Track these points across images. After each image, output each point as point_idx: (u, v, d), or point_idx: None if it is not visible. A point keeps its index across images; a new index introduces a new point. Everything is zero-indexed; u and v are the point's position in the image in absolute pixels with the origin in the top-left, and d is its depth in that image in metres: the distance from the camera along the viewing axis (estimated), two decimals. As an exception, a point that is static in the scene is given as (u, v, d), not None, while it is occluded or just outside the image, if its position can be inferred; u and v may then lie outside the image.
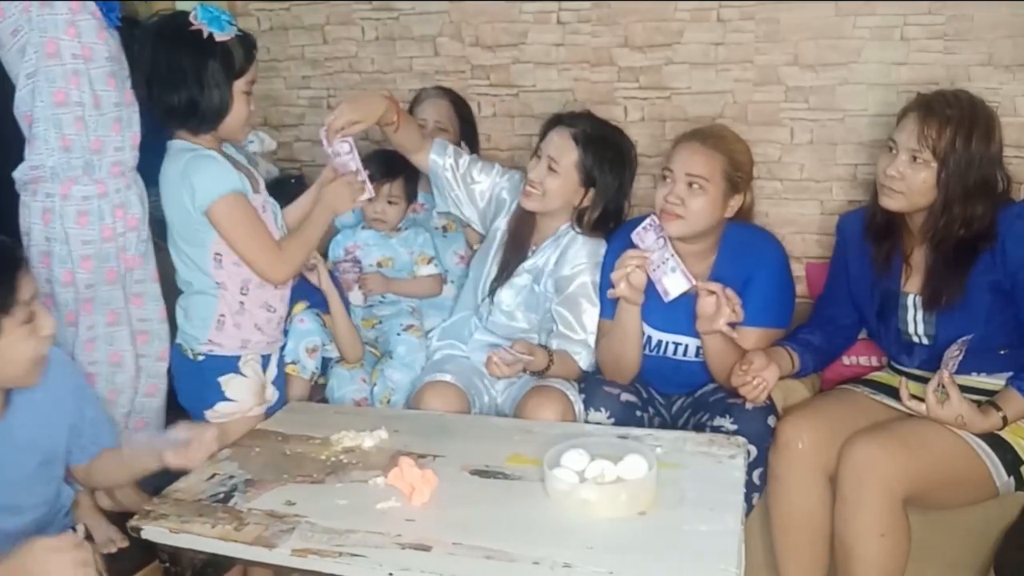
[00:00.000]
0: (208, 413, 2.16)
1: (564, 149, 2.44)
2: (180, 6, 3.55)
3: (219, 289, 2.14)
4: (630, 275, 2.18)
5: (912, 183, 2.09)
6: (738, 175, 2.29)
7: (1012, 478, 2.06)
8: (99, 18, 2.33)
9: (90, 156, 2.26)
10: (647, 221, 2.21)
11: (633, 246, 2.22)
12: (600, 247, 2.48)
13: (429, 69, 3.14)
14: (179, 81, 2.02)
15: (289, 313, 2.46)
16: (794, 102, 2.73)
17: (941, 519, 2.16)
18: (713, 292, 2.13)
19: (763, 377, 2.14)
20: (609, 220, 2.52)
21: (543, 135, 2.52)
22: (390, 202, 2.71)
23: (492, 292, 2.55)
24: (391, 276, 2.76)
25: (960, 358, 1.99)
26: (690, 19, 2.78)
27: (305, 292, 2.56)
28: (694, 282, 2.15)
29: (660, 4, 2.80)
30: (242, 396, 2.19)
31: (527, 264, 2.53)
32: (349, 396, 2.53)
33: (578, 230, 2.50)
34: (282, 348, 2.39)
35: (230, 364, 2.18)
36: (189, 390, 2.21)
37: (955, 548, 2.19)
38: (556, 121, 2.51)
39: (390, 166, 2.71)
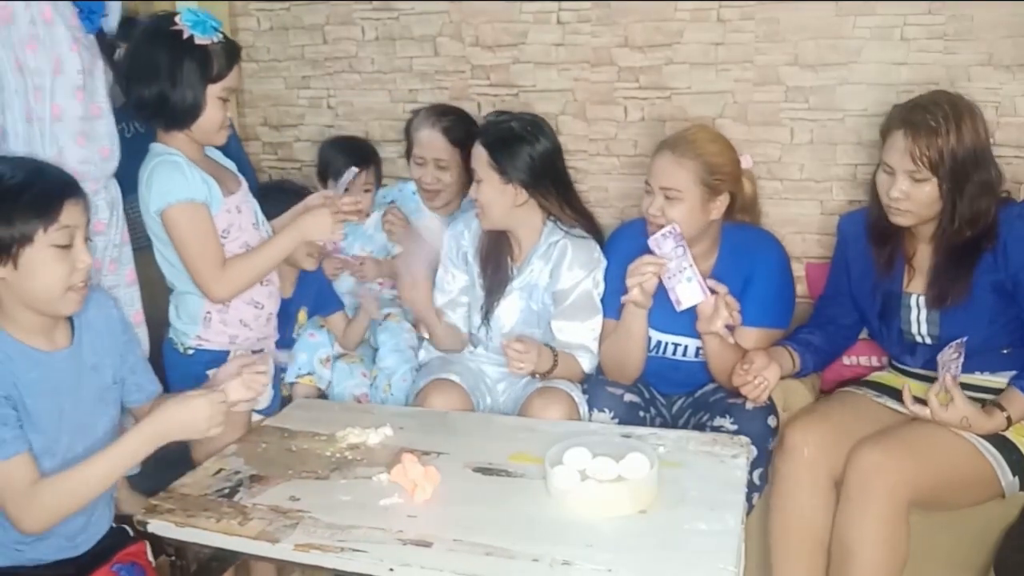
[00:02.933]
0: None
1: (478, 159, 2.42)
2: (180, 7, 3.56)
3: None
4: (644, 282, 2.17)
5: (918, 199, 2.08)
6: (715, 178, 2.25)
7: (1017, 478, 2.06)
8: (75, 24, 2.31)
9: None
10: (667, 228, 2.17)
11: (645, 249, 2.20)
12: (593, 250, 2.46)
13: (429, 69, 3.15)
14: (152, 75, 2.02)
15: (294, 321, 2.51)
16: (794, 102, 2.73)
17: (941, 519, 2.16)
18: (715, 292, 2.14)
19: (764, 377, 2.15)
20: (570, 205, 2.49)
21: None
22: (366, 190, 2.73)
23: (486, 317, 2.52)
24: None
25: (960, 360, 1.99)
26: (690, 19, 2.78)
27: (302, 296, 2.59)
28: (708, 295, 2.13)
29: (660, 4, 2.80)
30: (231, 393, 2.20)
31: (516, 282, 2.50)
32: (349, 391, 2.54)
33: (565, 229, 2.46)
34: (279, 344, 2.40)
35: (220, 358, 2.18)
36: (179, 383, 2.20)
37: (955, 548, 2.19)
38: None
39: (362, 153, 2.73)
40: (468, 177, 2.59)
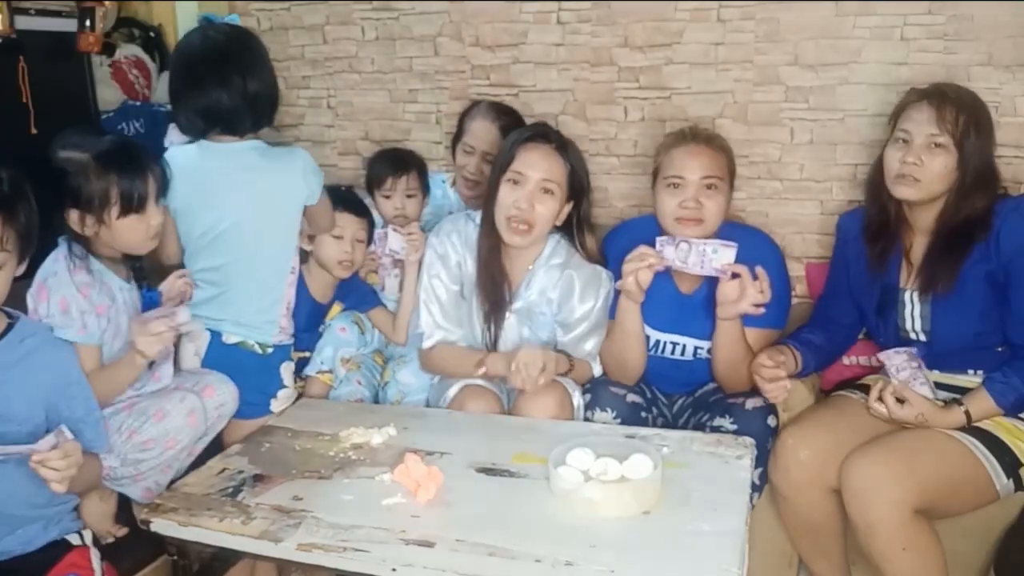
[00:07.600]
0: (273, 403, 2.30)
1: (554, 171, 2.31)
2: (179, 7, 3.56)
3: (291, 275, 2.35)
4: (639, 273, 2.16)
5: (931, 168, 2.09)
6: (732, 168, 2.37)
7: (1011, 480, 2.05)
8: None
9: None
10: (659, 244, 2.19)
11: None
12: (600, 274, 2.38)
13: (429, 69, 3.14)
14: (265, 71, 2.28)
15: (325, 314, 2.57)
16: (794, 102, 2.73)
17: (942, 520, 2.16)
18: (737, 275, 2.14)
19: (787, 380, 2.16)
20: (588, 224, 2.45)
21: (508, 158, 2.32)
22: (408, 195, 2.71)
23: (494, 343, 2.41)
24: None
25: (918, 367, 2.05)
26: (690, 19, 2.78)
27: (339, 296, 2.60)
28: (734, 243, 2.16)
29: (660, 4, 2.80)
30: (291, 382, 2.36)
31: (516, 306, 2.41)
32: (344, 397, 2.52)
33: (583, 252, 2.40)
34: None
35: (286, 352, 2.35)
36: (256, 386, 2.29)
37: (955, 548, 2.19)
38: (527, 139, 2.34)
39: (400, 161, 2.72)
40: None
